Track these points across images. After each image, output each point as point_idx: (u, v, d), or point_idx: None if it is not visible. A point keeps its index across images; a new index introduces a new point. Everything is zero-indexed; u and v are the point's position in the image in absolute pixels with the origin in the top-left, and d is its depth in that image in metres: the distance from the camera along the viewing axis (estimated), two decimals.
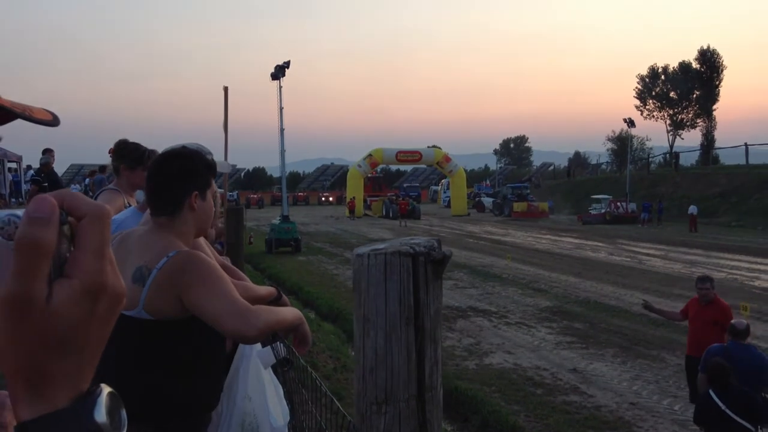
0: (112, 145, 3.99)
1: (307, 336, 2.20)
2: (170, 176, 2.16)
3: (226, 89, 8.75)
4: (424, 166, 64.49)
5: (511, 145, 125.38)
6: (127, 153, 3.79)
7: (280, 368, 2.30)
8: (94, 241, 0.55)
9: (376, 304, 1.35)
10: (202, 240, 2.53)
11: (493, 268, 19.29)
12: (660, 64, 68.55)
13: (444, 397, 1.43)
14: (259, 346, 2.22)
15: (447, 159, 51.57)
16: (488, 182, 71.31)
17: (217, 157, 4.14)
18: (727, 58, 66.25)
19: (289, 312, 2.18)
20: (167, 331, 2.03)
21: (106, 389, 0.57)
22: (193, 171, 2.19)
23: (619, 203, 41.13)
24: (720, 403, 5.01)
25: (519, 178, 68.22)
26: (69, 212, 0.55)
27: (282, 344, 2.18)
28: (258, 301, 2.29)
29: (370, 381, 1.35)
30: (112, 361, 2.10)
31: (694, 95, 64.95)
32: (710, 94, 64.11)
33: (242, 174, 78.43)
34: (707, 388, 5.44)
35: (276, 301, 2.52)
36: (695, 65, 65.43)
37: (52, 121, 0.77)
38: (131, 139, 3.99)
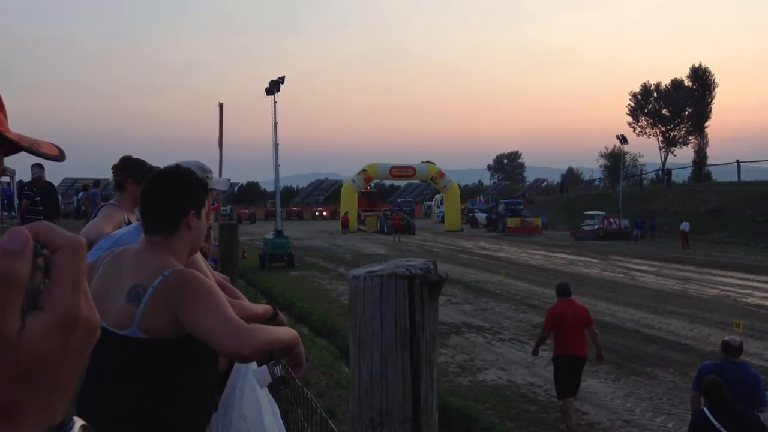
0: (109, 161, 4.01)
1: (301, 358, 2.20)
2: (168, 195, 2.16)
3: (221, 105, 8.77)
4: (418, 181, 64.56)
5: (505, 161, 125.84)
6: (134, 168, 3.82)
7: (276, 387, 2.29)
8: (68, 273, 0.55)
9: (372, 326, 1.36)
10: (200, 258, 2.52)
11: (486, 283, 19.28)
12: (652, 82, 69.15)
13: (437, 414, 1.43)
14: (254, 365, 2.22)
15: (441, 174, 51.65)
16: (482, 198, 71.44)
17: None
18: (719, 76, 66.85)
19: (286, 332, 2.17)
20: (161, 350, 2.02)
21: (78, 422, 0.55)
22: (190, 190, 2.19)
23: (612, 219, 41.24)
24: (715, 422, 5.00)
25: (512, 194, 68.37)
26: (44, 244, 0.55)
27: (278, 363, 2.18)
28: (254, 320, 2.28)
29: (366, 403, 1.35)
30: (106, 380, 2.09)
31: (687, 112, 65.41)
32: (702, 112, 64.58)
33: (236, 188, 78.38)
34: (702, 405, 5.44)
35: (272, 320, 2.51)
36: (687, 83, 65.97)
37: (59, 156, 0.77)
38: (126, 154, 4.03)
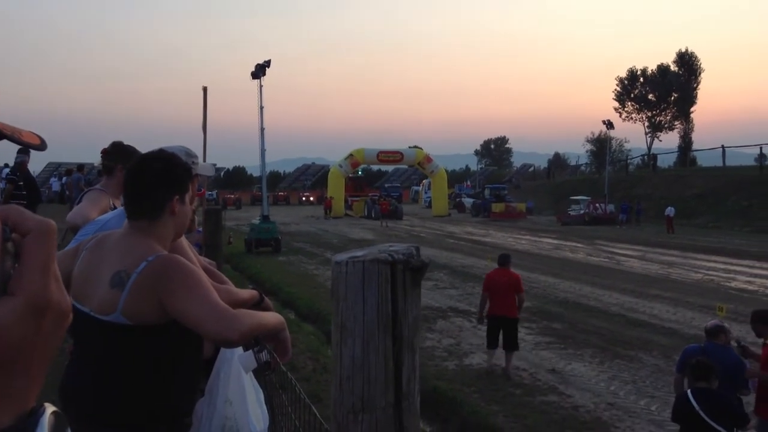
0: (91, 146, 4.01)
1: (287, 343, 2.20)
2: (152, 180, 2.14)
3: (205, 89, 8.70)
4: (405, 166, 64.52)
5: (492, 146, 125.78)
6: (125, 154, 3.81)
7: (261, 373, 2.30)
8: (38, 257, 0.54)
9: (354, 312, 1.36)
10: (185, 242, 2.51)
11: (473, 268, 19.34)
12: (639, 67, 69.38)
13: (423, 398, 1.45)
14: (240, 350, 2.22)
15: (428, 159, 51.66)
16: (469, 183, 71.52)
17: None
18: (704, 61, 67.17)
19: (272, 317, 2.17)
20: (145, 335, 2.01)
21: (49, 408, 0.55)
22: (174, 174, 2.17)
23: (597, 204, 41.46)
24: (695, 404, 5.06)
25: (500, 179, 68.52)
26: (13, 228, 0.54)
27: (264, 349, 2.18)
28: (240, 305, 2.28)
29: (347, 389, 1.36)
30: (90, 366, 2.09)
31: (672, 97, 65.69)
32: (688, 97, 64.90)
33: (222, 173, 77.98)
34: (686, 388, 5.49)
35: (258, 305, 2.51)
36: (673, 68, 66.20)
37: (40, 145, 0.77)
38: (109, 139, 4.02)
